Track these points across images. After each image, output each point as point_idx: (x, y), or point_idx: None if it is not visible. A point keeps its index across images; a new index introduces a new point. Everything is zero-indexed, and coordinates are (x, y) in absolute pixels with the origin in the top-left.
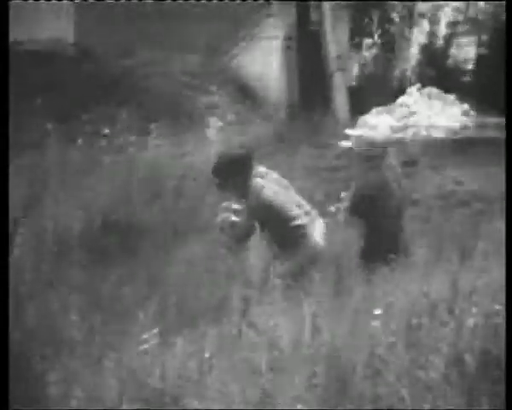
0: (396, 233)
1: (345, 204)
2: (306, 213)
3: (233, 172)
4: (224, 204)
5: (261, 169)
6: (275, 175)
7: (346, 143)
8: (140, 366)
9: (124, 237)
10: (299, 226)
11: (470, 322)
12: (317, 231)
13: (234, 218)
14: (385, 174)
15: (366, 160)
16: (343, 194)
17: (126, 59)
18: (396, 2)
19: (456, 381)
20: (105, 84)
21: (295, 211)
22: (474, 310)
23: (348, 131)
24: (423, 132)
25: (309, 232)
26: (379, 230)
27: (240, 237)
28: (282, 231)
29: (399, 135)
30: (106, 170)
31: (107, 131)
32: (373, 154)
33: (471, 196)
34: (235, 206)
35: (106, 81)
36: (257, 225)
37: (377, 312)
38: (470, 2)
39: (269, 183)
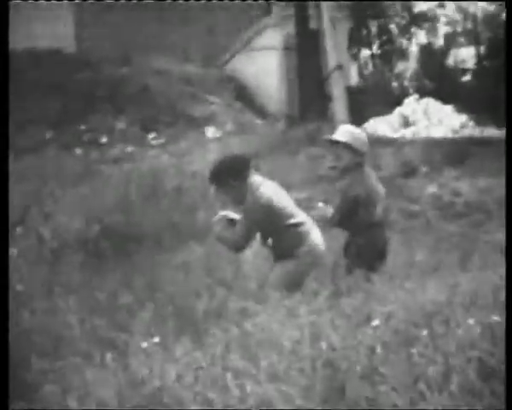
0: (379, 241)
1: (323, 213)
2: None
3: (229, 177)
4: (220, 214)
5: (257, 177)
6: (271, 183)
7: (335, 137)
8: (138, 371)
9: (121, 243)
10: (297, 224)
11: (468, 333)
12: (316, 234)
13: (230, 225)
14: (363, 185)
15: (345, 170)
16: (320, 204)
17: (125, 67)
18: (394, 14)
19: (454, 392)
20: (103, 93)
21: (293, 210)
22: (471, 321)
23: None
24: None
25: (307, 230)
26: (362, 239)
27: (237, 245)
28: (280, 231)
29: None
30: (104, 178)
31: (104, 140)
32: (350, 164)
33: (470, 207)
34: (232, 215)
35: (104, 90)
36: (256, 234)
37: (375, 323)
38: (467, 13)
39: (266, 182)
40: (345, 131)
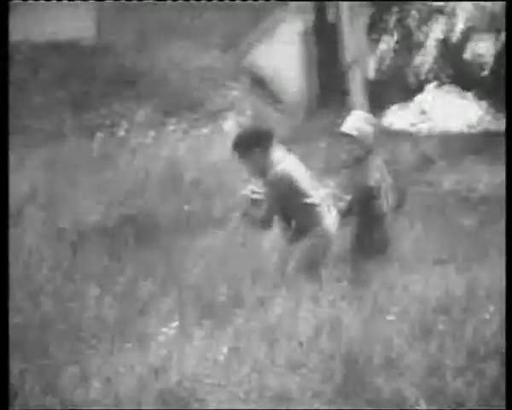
0: (388, 231)
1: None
2: (321, 198)
3: (253, 145)
4: (245, 189)
5: (280, 150)
6: (293, 158)
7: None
8: (158, 358)
9: (141, 230)
10: (314, 205)
11: (485, 324)
12: (331, 218)
13: (256, 197)
14: (373, 175)
15: (355, 160)
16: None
17: (144, 55)
18: (412, 6)
19: (472, 382)
20: (123, 78)
21: (312, 189)
22: (489, 312)
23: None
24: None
25: (323, 213)
26: (367, 228)
27: (263, 221)
28: (297, 207)
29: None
30: (123, 165)
31: (124, 127)
32: (358, 154)
33: (487, 199)
34: (256, 190)
35: (124, 76)
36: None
37: (392, 313)
38: (486, 6)
39: (288, 156)
40: (354, 122)
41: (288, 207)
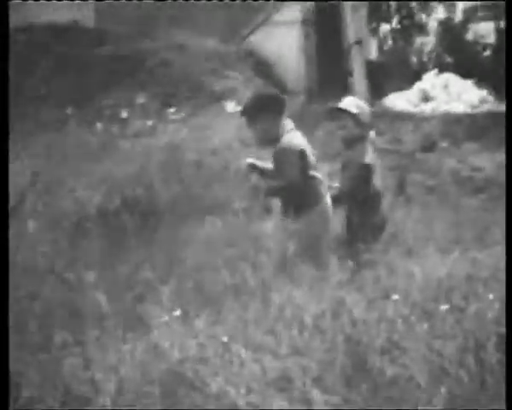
0: (379, 209)
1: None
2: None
3: (264, 110)
4: (247, 161)
5: (290, 122)
6: (299, 133)
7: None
8: (159, 346)
9: (142, 217)
10: (318, 178)
11: (487, 308)
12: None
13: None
14: (369, 155)
15: (351, 141)
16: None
17: (145, 42)
18: None
19: (473, 367)
20: (124, 68)
21: (316, 164)
22: (491, 296)
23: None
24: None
25: (325, 191)
26: (363, 208)
27: (272, 191)
28: (303, 179)
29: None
30: (124, 152)
31: (125, 114)
32: (356, 135)
33: (488, 182)
34: (258, 163)
35: (124, 65)
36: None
37: (394, 297)
38: None
39: (296, 130)
40: (350, 103)
41: (296, 177)
